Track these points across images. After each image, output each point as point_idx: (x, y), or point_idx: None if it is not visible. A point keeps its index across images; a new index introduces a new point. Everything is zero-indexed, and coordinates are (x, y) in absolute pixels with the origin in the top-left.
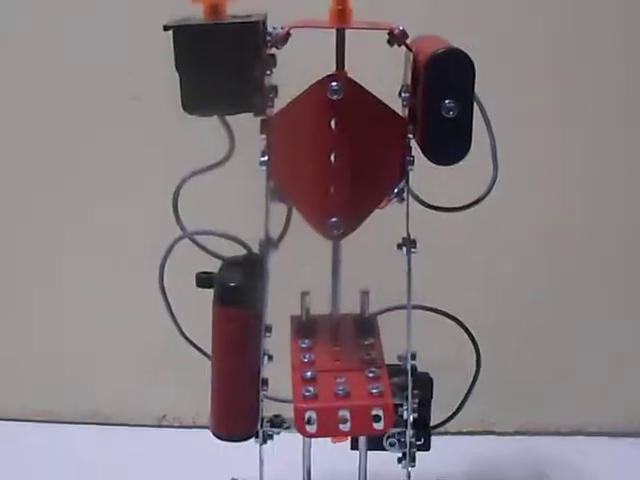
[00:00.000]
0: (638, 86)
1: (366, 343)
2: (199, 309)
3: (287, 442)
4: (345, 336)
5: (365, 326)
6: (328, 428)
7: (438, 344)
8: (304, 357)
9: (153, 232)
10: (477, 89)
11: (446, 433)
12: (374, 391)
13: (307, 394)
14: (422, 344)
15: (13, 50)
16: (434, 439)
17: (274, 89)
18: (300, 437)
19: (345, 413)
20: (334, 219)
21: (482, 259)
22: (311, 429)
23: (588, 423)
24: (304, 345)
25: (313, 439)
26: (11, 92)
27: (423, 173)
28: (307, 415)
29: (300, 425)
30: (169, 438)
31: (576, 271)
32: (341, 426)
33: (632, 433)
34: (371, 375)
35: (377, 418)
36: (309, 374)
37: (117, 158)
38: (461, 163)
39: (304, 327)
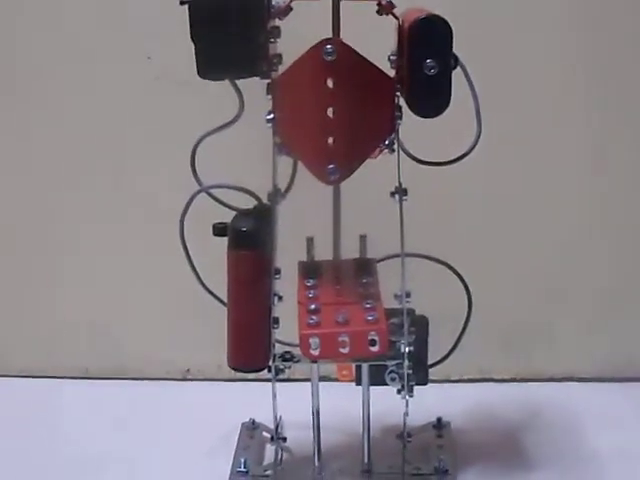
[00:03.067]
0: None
1: (364, 281)
2: (216, 261)
3: (298, 389)
4: (346, 276)
5: (364, 267)
6: (330, 351)
7: (437, 292)
8: (309, 293)
9: (173, 188)
10: (470, 51)
11: (447, 381)
12: (370, 318)
13: (311, 322)
14: (421, 292)
15: (37, 37)
16: (436, 386)
17: (279, 56)
18: (309, 384)
19: (345, 338)
20: (332, 166)
21: (476, 210)
22: (315, 352)
23: (580, 370)
24: (309, 284)
25: (321, 383)
26: (45, 74)
27: (417, 132)
28: (311, 340)
29: (305, 349)
30: (194, 390)
31: (568, 218)
32: (341, 349)
33: (618, 379)
34: (368, 306)
35: (373, 342)
36: (313, 306)
37: (141, 127)
38: (450, 122)
39: (309, 269)
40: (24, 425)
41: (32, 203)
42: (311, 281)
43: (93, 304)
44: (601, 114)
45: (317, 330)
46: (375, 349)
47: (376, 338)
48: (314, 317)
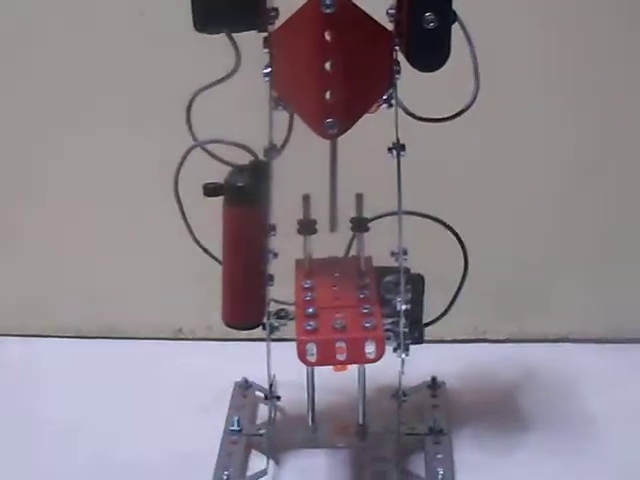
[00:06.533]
0: None
1: (362, 283)
2: (211, 218)
3: (291, 349)
4: (343, 277)
5: (361, 267)
6: (326, 357)
7: (433, 251)
8: (306, 296)
9: (168, 143)
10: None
11: (442, 341)
12: (367, 325)
13: (308, 328)
14: (417, 250)
15: None
16: (430, 347)
17: (275, 10)
18: None
19: (341, 344)
20: (330, 120)
21: (473, 168)
22: (311, 359)
23: (574, 331)
24: (306, 285)
25: None
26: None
27: (415, 88)
28: (308, 346)
29: (302, 355)
30: (186, 350)
31: (565, 177)
32: (338, 356)
33: (613, 340)
34: (365, 311)
35: (370, 349)
36: (310, 310)
37: (136, 83)
38: (447, 78)
39: (307, 269)
40: (14, 384)
41: (24, 165)
42: (308, 282)
43: (86, 263)
44: (601, 73)
45: (314, 336)
46: (372, 356)
47: (373, 345)
48: (311, 323)
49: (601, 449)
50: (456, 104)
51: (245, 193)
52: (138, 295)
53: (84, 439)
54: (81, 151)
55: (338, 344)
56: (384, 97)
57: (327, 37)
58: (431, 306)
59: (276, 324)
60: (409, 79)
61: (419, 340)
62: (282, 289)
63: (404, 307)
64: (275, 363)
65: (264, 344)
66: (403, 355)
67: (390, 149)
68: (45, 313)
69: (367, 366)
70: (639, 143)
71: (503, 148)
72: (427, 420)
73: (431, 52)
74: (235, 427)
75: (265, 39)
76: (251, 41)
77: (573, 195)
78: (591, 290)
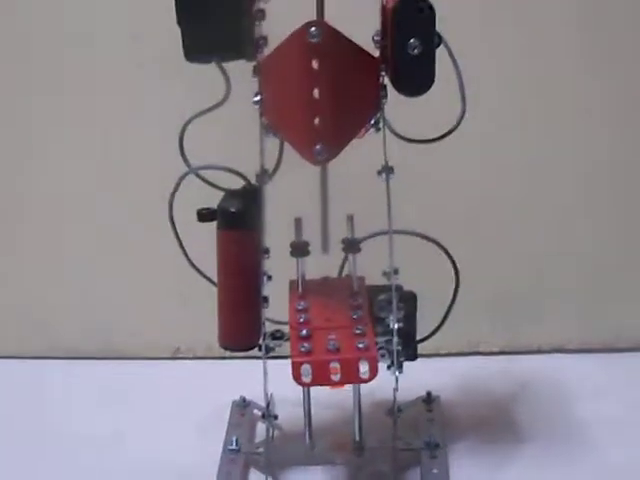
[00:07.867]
0: None
1: (354, 304)
2: (206, 241)
3: (288, 366)
4: (336, 298)
5: (354, 287)
6: (321, 378)
7: (424, 268)
8: (300, 317)
9: (162, 170)
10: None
11: (436, 355)
12: (360, 346)
13: (302, 349)
14: (408, 268)
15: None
16: (425, 360)
17: (264, 39)
18: None
19: (336, 365)
20: (318, 146)
21: (461, 187)
22: (306, 380)
23: (568, 341)
24: (300, 307)
25: None
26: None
27: (403, 111)
28: (302, 368)
29: (297, 376)
30: (184, 369)
31: (554, 194)
32: (332, 376)
33: (606, 349)
34: (358, 332)
35: (363, 370)
36: (304, 332)
37: (128, 110)
38: (435, 99)
39: (300, 290)
40: (12, 406)
41: (22, 186)
42: (302, 304)
43: (83, 284)
44: (591, 82)
45: (308, 358)
46: (365, 376)
47: (366, 365)
48: (305, 344)
49: (598, 459)
50: (444, 125)
51: (238, 217)
52: (135, 316)
53: (82, 459)
54: (79, 176)
55: (332, 365)
56: (372, 121)
57: (314, 65)
58: (425, 322)
59: (272, 345)
60: (397, 101)
61: (412, 357)
62: (277, 308)
63: (397, 325)
64: (272, 380)
65: (262, 362)
66: (397, 373)
67: (379, 172)
68: (43, 335)
69: None
70: (625, 154)
71: (490, 165)
72: (423, 435)
73: (416, 78)
74: (233, 446)
75: (254, 67)
76: (241, 69)
77: (563, 208)
78: (584, 300)
